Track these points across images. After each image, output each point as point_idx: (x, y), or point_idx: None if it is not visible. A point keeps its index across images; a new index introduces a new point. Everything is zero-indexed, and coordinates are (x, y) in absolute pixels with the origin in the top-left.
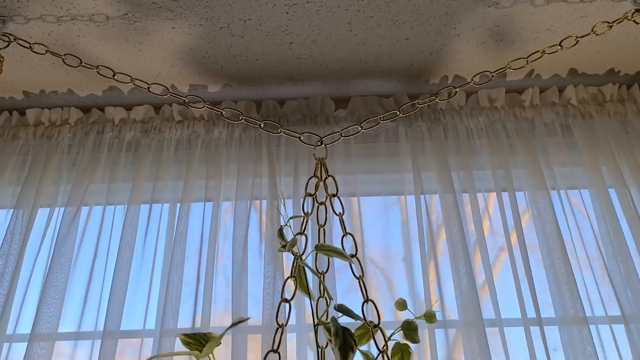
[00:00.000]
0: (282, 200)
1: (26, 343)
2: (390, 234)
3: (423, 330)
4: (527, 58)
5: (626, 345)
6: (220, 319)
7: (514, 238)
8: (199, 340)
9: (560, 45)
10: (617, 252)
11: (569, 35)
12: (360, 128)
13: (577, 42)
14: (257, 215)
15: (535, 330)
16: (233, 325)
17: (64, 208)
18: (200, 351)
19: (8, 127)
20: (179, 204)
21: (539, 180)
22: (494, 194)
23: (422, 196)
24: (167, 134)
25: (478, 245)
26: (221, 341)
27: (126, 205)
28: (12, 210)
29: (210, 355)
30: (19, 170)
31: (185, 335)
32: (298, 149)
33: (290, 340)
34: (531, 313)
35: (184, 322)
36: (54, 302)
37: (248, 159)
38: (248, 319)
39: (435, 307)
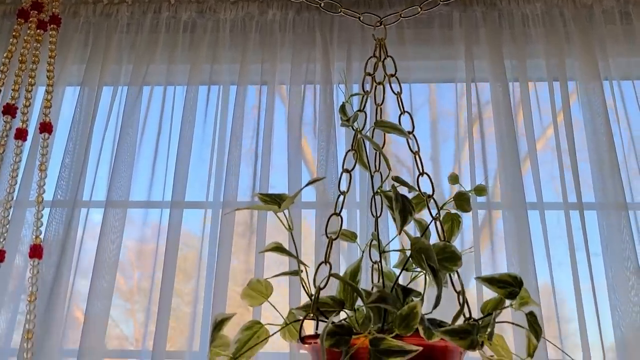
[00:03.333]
0: (344, 77)
1: (102, 209)
2: (438, 120)
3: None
4: None
5: None
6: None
7: (561, 126)
8: (273, 199)
9: None
10: None
11: None
12: (420, 9)
13: None
14: (312, 98)
15: (574, 214)
16: (309, 183)
17: (127, 87)
18: (279, 206)
19: (69, 4)
20: (235, 86)
21: (592, 69)
22: (545, 83)
23: (472, 84)
24: (222, 15)
25: (525, 131)
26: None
27: (185, 87)
28: (79, 87)
29: (287, 211)
30: (82, 49)
31: (262, 194)
32: (352, 35)
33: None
34: (572, 198)
35: (243, 196)
36: (124, 174)
37: (302, 43)
38: (324, 178)
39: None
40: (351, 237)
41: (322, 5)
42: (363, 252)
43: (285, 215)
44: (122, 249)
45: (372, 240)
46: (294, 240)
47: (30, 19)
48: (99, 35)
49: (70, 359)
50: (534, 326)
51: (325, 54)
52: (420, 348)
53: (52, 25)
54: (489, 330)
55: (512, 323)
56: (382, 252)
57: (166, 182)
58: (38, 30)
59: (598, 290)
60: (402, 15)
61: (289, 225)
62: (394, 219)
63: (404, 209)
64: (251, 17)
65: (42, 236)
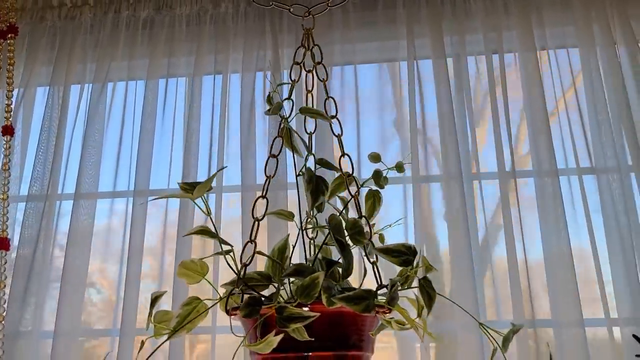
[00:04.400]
0: (271, 71)
1: (72, 201)
2: (384, 98)
3: (413, 185)
4: None
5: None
6: (232, 177)
7: (499, 97)
8: (193, 187)
9: None
10: (598, 107)
11: None
12: None
13: None
14: (262, 85)
15: (511, 182)
16: (216, 173)
17: (91, 84)
18: (192, 193)
19: (35, 9)
20: (192, 78)
21: (529, 41)
22: (484, 57)
23: (414, 62)
24: (178, 11)
25: (465, 104)
26: (207, 191)
27: (145, 81)
28: (48, 87)
29: (203, 198)
30: (49, 51)
31: (184, 183)
32: (299, 21)
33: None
34: (509, 167)
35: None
36: (92, 166)
37: (253, 32)
38: (226, 167)
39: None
40: (288, 216)
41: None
42: (300, 229)
43: (203, 200)
44: (93, 236)
45: (307, 219)
46: (213, 224)
47: None
48: (64, 37)
49: (46, 340)
50: (427, 290)
51: (275, 42)
52: (318, 314)
53: (10, 35)
54: (389, 295)
55: (415, 287)
56: (303, 229)
57: (130, 173)
58: None
59: None
60: (329, 5)
61: (207, 210)
62: (307, 198)
63: (316, 189)
64: (205, 11)
65: (9, 230)
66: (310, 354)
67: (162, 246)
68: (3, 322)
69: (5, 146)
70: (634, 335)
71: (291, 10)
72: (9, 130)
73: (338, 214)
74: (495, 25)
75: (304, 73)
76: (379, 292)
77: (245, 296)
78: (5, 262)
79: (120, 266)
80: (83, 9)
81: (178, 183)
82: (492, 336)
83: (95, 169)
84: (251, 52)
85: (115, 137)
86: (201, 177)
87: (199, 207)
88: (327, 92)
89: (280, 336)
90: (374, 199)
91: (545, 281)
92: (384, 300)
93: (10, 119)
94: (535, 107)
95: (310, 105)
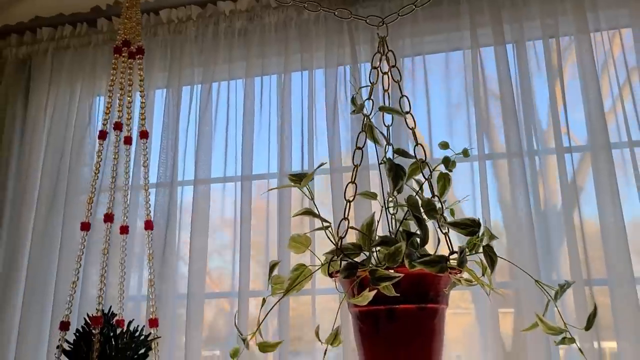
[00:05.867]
0: (355, 77)
1: (192, 186)
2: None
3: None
4: None
5: None
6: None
7: (557, 80)
8: (299, 177)
9: None
10: None
11: None
12: (414, 7)
13: None
14: (343, 78)
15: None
16: (317, 167)
17: (200, 85)
18: (300, 183)
19: (149, 27)
20: (282, 75)
21: (583, 24)
22: (541, 41)
23: (478, 50)
24: (267, 20)
25: (521, 87)
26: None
27: (244, 79)
28: (165, 90)
29: (307, 187)
30: (163, 60)
31: (292, 174)
32: (373, 20)
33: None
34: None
35: (296, 167)
36: (205, 156)
37: (332, 31)
38: (325, 163)
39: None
40: (373, 196)
41: (336, 13)
42: (382, 207)
43: (307, 188)
44: (211, 214)
45: (389, 198)
46: (316, 206)
47: (123, 54)
48: (174, 47)
49: (181, 300)
50: (489, 254)
51: (352, 39)
52: (402, 275)
53: (138, 55)
54: (459, 259)
55: (479, 252)
56: (386, 207)
57: (237, 160)
58: (130, 60)
59: None
60: (399, 14)
61: (311, 196)
62: (388, 183)
63: (396, 175)
64: (290, 19)
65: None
66: (397, 306)
67: (266, 224)
68: (154, 285)
69: (142, 147)
70: None
71: (367, 21)
72: (144, 135)
73: (414, 194)
74: (551, 11)
75: (380, 75)
76: (450, 257)
77: (344, 262)
78: (152, 239)
79: (233, 241)
80: (188, 24)
81: (287, 176)
82: (547, 291)
83: (208, 158)
84: (332, 50)
85: (222, 130)
86: (295, 161)
87: (304, 194)
88: (401, 91)
89: (374, 291)
90: (444, 181)
91: None
92: (455, 264)
93: (145, 125)
94: (589, 86)
95: (387, 103)
